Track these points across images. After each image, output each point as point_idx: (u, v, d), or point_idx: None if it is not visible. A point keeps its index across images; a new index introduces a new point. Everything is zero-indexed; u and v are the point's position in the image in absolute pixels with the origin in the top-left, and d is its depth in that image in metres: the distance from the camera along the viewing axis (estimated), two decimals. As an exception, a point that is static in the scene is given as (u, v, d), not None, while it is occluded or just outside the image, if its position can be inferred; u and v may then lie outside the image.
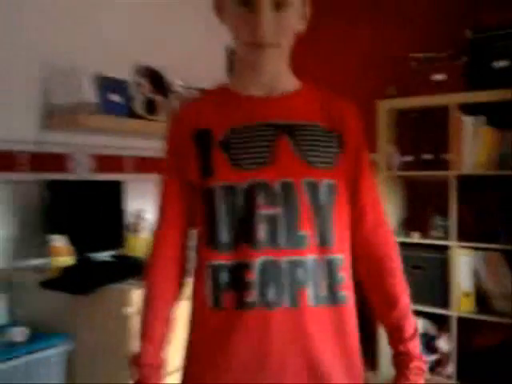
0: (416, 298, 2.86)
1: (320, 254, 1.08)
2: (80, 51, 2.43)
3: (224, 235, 1.06)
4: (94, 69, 2.32)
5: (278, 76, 1.16)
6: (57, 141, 2.37)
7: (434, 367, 2.90)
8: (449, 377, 2.82)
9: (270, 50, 1.07)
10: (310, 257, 1.06)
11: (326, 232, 1.09)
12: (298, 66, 4.08)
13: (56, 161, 2.37)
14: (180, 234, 1.16)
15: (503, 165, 2.73)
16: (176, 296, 1.17)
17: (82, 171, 2.45)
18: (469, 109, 2.83)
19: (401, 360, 1.17)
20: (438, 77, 2.95)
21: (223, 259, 1.06)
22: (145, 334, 1.12)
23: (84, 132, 2.41)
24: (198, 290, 1.11)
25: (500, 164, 2.75)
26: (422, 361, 1.18)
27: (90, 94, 2.25)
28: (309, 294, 1.05)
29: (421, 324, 2.98)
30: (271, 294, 1.03)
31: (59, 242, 2.04)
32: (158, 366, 1.12)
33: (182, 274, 1.18)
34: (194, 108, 1.20)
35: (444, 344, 2.85)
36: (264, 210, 1.04)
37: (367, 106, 3.20)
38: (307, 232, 1.07)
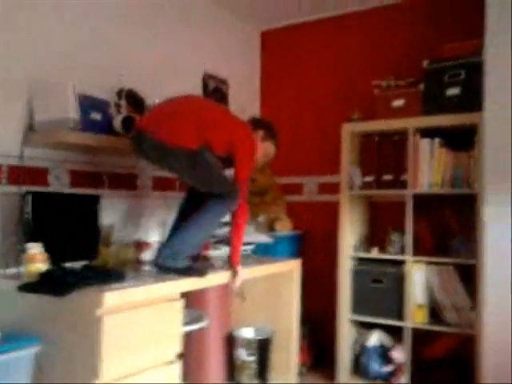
0: (374, 310, 3.10)
1: None
2: (65, 72, 2.56)
3: None
4: (77, 89, 2.46)
5: None
6: (39, 155, 2.48)
7: (389, 378, 3.06)
8: (403, 386, 2.99)
9: None
10: None
11: None
12: (273, 97, 4.33)
13: (37, 174, 2.47)
14: None
15: (456, 184, 2.96)
16: None
17: (60, 185, 2.58)
18: (426, 132, 3.06)
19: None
20: (398, 102, 3.18)
21: None
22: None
23: (64, 148, 2.54)
24: None
25: (454, 183, 2.97)
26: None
27: (73, 112, 2.39)
28: None
29: (378, 336, 3.15)
30: None
31: (35, 249, 2.14)
32: None
33: None
34: None
35: (398, 355, 3.02)
36: None
37: (333, 129, 3.44)
38: None
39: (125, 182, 2.91)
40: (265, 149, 2.63)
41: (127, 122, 2.60)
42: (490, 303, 2.60)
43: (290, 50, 3.97)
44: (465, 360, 2.86)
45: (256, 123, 2.67)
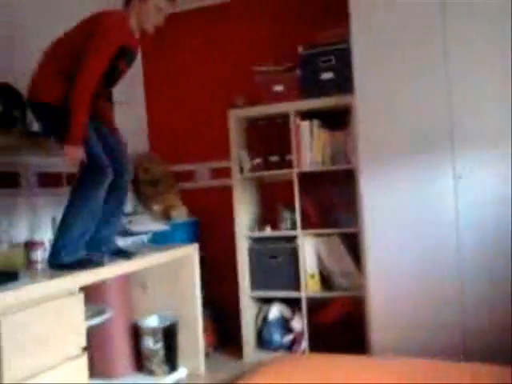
0: (273, 285, 3.26)
1: None
2: None
3: None
4: None
5: None
6: None
7: (290, 346, 3.25)
8: (303, 353, 3.19)
9: None
10: None
11: None
12: (159, 86, 4.23)
13: None
14: None
15: (336, 161, 3.20)
16: None
17: None
18: (306, 114, 3.26)
19: None
20: (278, 88, 3.35)
21: None
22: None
23: None
24: None
25: (333, 160, 3.21)
26: None
27: None
28: None
29: (277, 309, 3.33)
30: None
31: None
32: None
33: None
34: None
35: (297, 324, 3.22)
36: None
37: (220, 115, 3.53)
38: None
39: (4, 181, 2.73)
40: (146, 7, 2.33)
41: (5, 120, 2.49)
42: (372, 266, 2.85)
43: (175, 37, 3.97)
44: (357, 321, 3.11)
45: None
